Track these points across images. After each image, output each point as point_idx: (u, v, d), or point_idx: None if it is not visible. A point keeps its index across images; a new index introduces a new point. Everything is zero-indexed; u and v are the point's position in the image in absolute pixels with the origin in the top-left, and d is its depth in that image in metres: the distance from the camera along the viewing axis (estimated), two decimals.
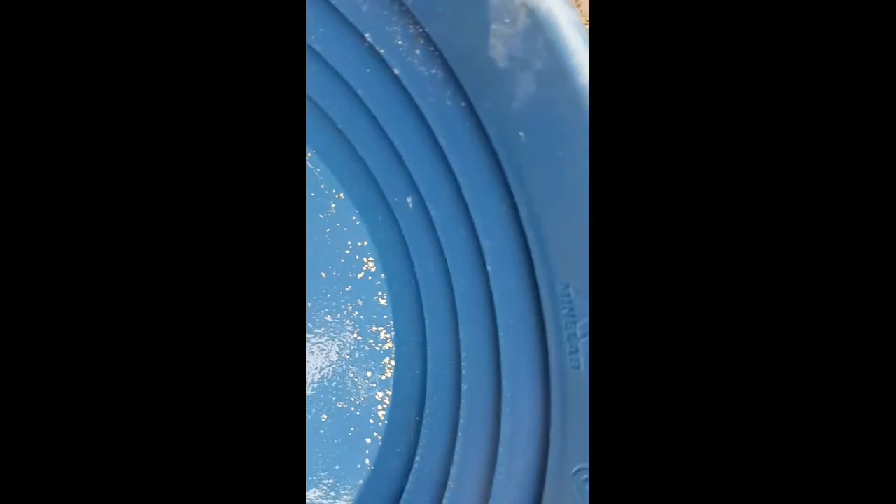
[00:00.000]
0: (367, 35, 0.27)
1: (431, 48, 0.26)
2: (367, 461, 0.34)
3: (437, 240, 0.31)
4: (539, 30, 0.21)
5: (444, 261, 0.31)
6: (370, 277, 0.35)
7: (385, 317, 0.35)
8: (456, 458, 0.29)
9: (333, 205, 0.36)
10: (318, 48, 0.30)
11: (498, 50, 0.23)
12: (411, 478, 0.32)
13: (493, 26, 0.22)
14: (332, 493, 0.35)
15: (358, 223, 0.35)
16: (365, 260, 0.36)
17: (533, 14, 0.21)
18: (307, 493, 0.34)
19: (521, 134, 0.23)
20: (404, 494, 0.32)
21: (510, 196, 0.25)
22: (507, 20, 0.22)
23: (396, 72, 0.27)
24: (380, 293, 0.35)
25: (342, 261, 0.35)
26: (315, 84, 0.31)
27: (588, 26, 0.25)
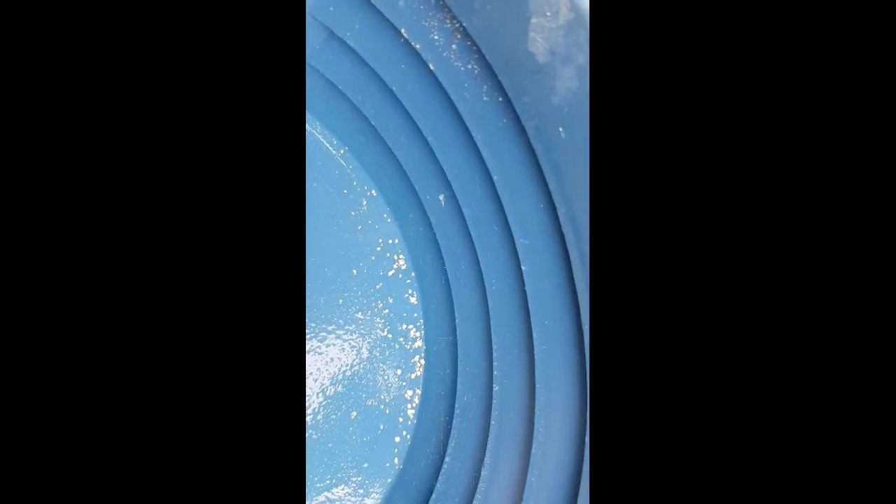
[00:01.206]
0: (402, 30, 0.27)
1: (468, 43, 0.25)
2: (396, 460, 0.34)
3: (469, 238, 0.30)
4: (582, 23, 0.21)
5: (477, 259, 0.30)
6: (400, 275, 0.35)
7: (415, 315, 0.35)
8: (487, 459, 0.28)
9: (365, 202, 0.36)
10: (352, 44, 0.30)
11: (538, 44, 0.22)
12: (440, 478, 0.31)
13: (534, 20, 0.22)
14: (361, 491, 0.34)
15: (389, 221, 0.35)
16: (396, 257, 0.35)
17: (576, 7, 0.21)
18: (336, 490, 0.34)
19: (560, 130, 0.23)
20: (433, 495, 0.32)
21: (548, 194, 0.25)
22: (548, 14, 0.21)
23: (432, 67, 0.27)
24: (410, 291, 0.35)
25: (373, 258, 0.35)
26: (349, 80, 0.31)
27: None
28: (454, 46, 0.26)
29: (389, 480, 0.34)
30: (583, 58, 0.21)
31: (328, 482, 0.34)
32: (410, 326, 0.35)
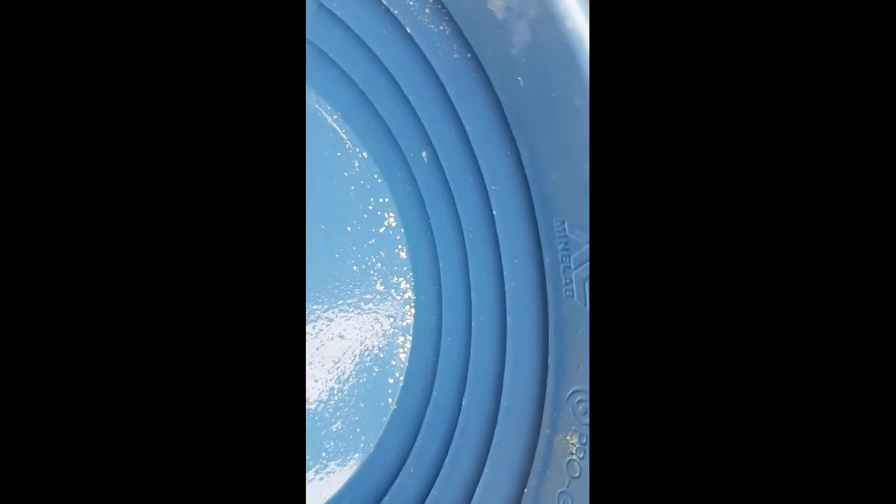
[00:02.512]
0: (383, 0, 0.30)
1: (439, 6, 0.28)
2: (390, 400, 0.37)
3: (448, 191, 0.33)
4: None
5: (456, 210, 0.33)
6: (391, 232, 0.38)
7: (405, 268, 0.38)
8: (467, 388, 0.31)
9: (357, 163, 0.38)
10: (339, 13, 0.32)
11: (496, 2, 0.25)
12: (428, 411, 0.34)
13: None
14: (358, 430, 0.38)
15: (379, 181, 0.38)
16: (386, 215, 0.38)
17: None
18: (335, 427, 0.38)
19: (519, 79, 0.25)
20: (423, 426, 0.35)
21: (512, 140, 0.27)
22: None
23: (409, 30, 0.30)
24: (399, 246, 0.38)
25: (365, 216, 0.38)
26: (338, 48, 0.34)
27: None
28: (427, 10, 0.28)
29: (384, 419, 0.37)
30: (533, 12, 0.24)
31: (328, 420, 0.38)
32: (401, 279, 0.38)
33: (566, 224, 0.26)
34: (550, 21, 0.23)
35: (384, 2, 0.30)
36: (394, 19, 0.30)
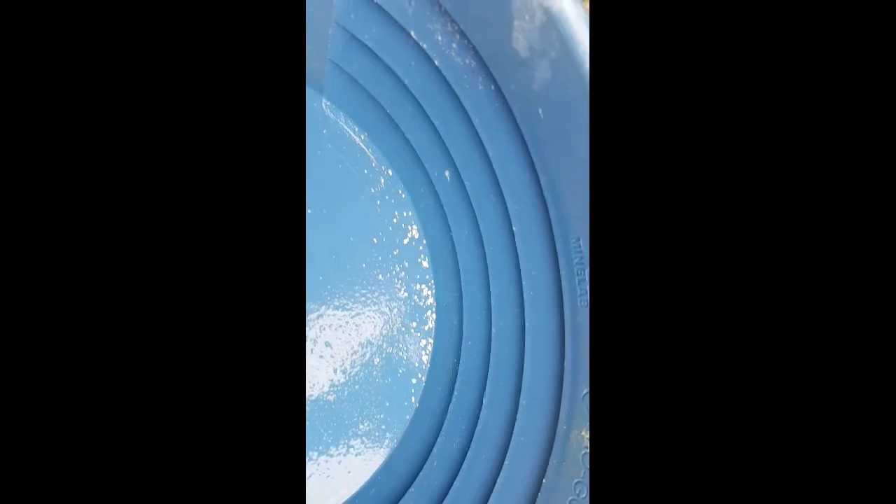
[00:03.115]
0: (412, 32, 0.33)
1: (465, 42, 0.31)
2: (413, 399, 0.40)
3: (470, 207, 0.36)
4: (553, 25, 0.26)
5: (477, 225, 0.36)
6: (414, 243, 0.41)
7: (427, 276, 0.41)
8: (487, 388, 0.34)
9: (382, 180, 0.41)
10: (370, 45, 0.35)
11: (520, 42, 0.27)
12: (450, 410, 0.37)
13: (516, 22, 0.27)
14: (383, 427, 0.40)
15: (403, 196, 0.41)
16: (409, 228, 0.41)
17: (548, 11, 0.26)
18: (361, 426, 0.40)
19: (539, 111, 0.28)
20: (444, 424, 0.38)
21: (532, 165, 0.30)
22: (526, 17, 0.27)
23: (436, 63, 0.32)
24: (422, 256, 0.41)
25: (390, 228, 0.41)
26: (367, 75, 0.37)
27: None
28: (454, 45, 0.31)
29: (407, 417, 0.40)
30: (554, 53, 0.27)
31: (355, 419, 0.40)
32: (423, 286, 0.41)
33: (581, 241, 0.29)
34: (570, 63, 0.26)
35: (413, 35, 0.33)
36: (422, 52, 0.33)
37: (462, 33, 0.31)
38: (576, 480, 0.28)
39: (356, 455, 0.40)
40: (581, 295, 0.29)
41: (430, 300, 0.41)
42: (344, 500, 0.40)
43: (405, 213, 0.41)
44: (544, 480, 0.29)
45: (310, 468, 0.40)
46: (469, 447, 0.35)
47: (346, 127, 0.42)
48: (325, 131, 0.41)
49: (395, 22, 0.33)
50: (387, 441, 0.40)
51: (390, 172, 0.41)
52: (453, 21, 0.31)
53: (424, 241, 0.41)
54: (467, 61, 0.31)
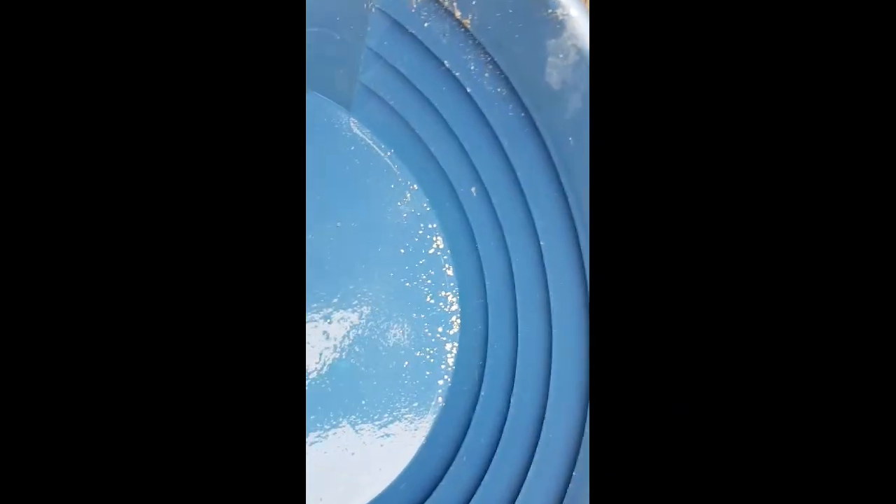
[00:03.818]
0: (445, 62, 0.35)
1: (498, 72, 0.34)
2: (440, 398, 0.43)
3: (497, 221, 0.39)
4: (584, 62, 0.29)
5: (504, 238, 0.39)
6: (439, 252, 0.43)
7: (452, 284, 0.43)
8: (515, 388, 0.37)
9: (408, 194, 0.44)
10: (403, 71, 0.38)
11: (553, 77, 0.30)
12: (477, 408, 0.40)
13: (550, 59, 0.30)
14: (412, 426, 0.43)
15: (428, 209, 0.43)
16: (434, 238, 0.44)
17: (580, 52, 0.29)
18: (392, 427, 0.43)
19: (570, 139, 0.31)
20: (473, 421, 0.40)
21: (560, 186, 0.33)
22: (560, 55, 0.30)
23: (469, 90, 0.35)
24: (447, 265, 0.43)
25: (416, 239, 0.43)
26: (400, 100, 0.39)
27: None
28: (487, 74, 0.34)
29: (434, 416, 0.43)
30: (584, 86, 0.30)
31: (386, 419, 0.43)
32: (448, 293, 0.43)
33: None
34: None
35: (446, 63, 0.35)
36: (454, 79, 0.36)
37: (495, 64, 0.33)
38: None
39: (385, 453, 0.43)
40: None
41: (455, 306, 0.43)
42: (376, 493, 0.42)
43: (430, 226, 0.43)
44: (574, 473, 0.33)
45: (342, 464, 0.43)
46: (498, 444, 0.38)
47: (372, 144, 0.44)
48: (353, 148, 0.44)
49: (430, 51, 0.36)
50: (416, 439, 0.43)
51: (415, 187, 0.43)
52: (486, 53, 0.33)
53: (449, 251, 0.43)
54: (499, 90, 0.34)
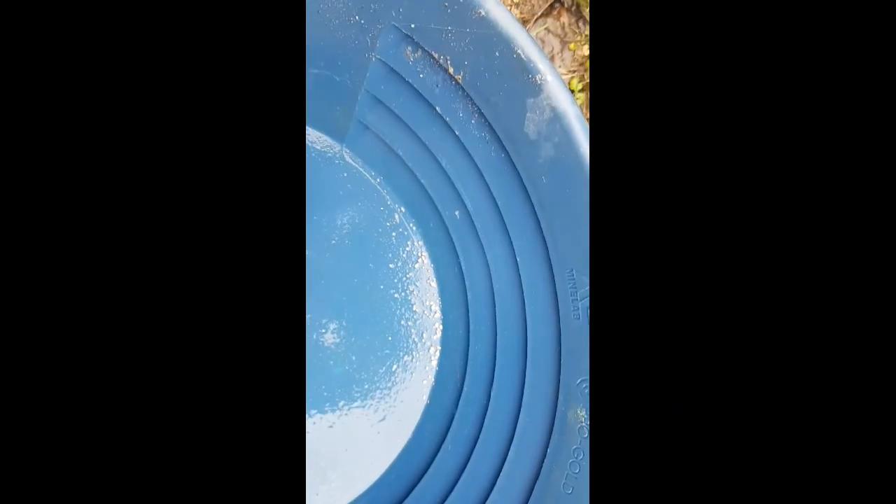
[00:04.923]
0: (437, 107, 0.41)
1: (483, 121, 0.40)
2: (425, 397, 0.48)
3: (478, 240, 0.45)
4: (558, 120, 0.36)
5: (484, 254, 0.45)
6: (424, 268, 0.49)
7: (435, 295, 0.49)
8: (495, 383, 0.44)
9: (397, 216, 0.49)
10: (398, 112, 0.44)
11: (531, 128, 0.37)
12: (460, 403, 0.46)
13: (529, 114, 0.37)
14: (401, 422, 0.48)
15: (414, 229, 0.49)
16: (420, 255, 0.49)
17: (555, 110, 0.36)
18: (382, 424, 0.48)
19: (543, 178, 0.38)
20: (455, 416, 0.47)
21: (534, 213, 0.40)
22: (538, 112, 0.37)
23: (457, 133, 0.41)
24: (431, 278, 0.49)
25: (404, 255, 0.49)
26: (395, 137, 0.45)
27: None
28: (473, 121, 0.41)
29: (421, 412, 0.48)
30: (557, 138, 0.37)
31: (377, 417, 0.48)
32: (432, 302, 0.49)
33: (574, 271, 0.39)
34: (569, 147, 0.36)
35: (438, 109, 0.42)
36: (444, 122, 0.42)
37: (481, 113, 0.40)
38: (574, 447, 0.38)
39: (377, 447, 0.48)
40: (574, 311, 0.39)
41: (439, 314, 0.49)
42: (370, 483, 0.47)
43: (417, 243, 0.49)
44: (548, 449, 0.40)
45: (338, 458, 0.47)
46: (480, 433, 0.44)
47: (363, 171, 0.49)
48: (345, 174, 0.49)
49: (423, 98, 0.42)
50: (404, 433, 0.48)
51: (403, 209, 0.49)
52: (475, 104, 0.40)
53: (433, 266, 0.49)
54: (483, 134, 0.40)
